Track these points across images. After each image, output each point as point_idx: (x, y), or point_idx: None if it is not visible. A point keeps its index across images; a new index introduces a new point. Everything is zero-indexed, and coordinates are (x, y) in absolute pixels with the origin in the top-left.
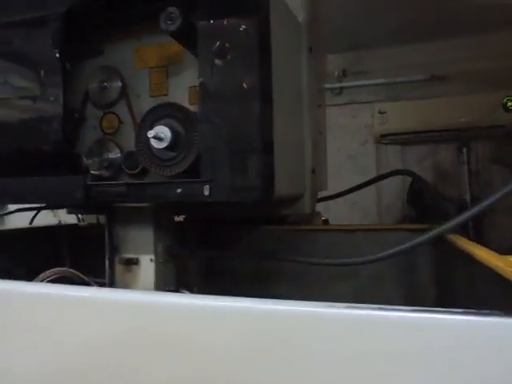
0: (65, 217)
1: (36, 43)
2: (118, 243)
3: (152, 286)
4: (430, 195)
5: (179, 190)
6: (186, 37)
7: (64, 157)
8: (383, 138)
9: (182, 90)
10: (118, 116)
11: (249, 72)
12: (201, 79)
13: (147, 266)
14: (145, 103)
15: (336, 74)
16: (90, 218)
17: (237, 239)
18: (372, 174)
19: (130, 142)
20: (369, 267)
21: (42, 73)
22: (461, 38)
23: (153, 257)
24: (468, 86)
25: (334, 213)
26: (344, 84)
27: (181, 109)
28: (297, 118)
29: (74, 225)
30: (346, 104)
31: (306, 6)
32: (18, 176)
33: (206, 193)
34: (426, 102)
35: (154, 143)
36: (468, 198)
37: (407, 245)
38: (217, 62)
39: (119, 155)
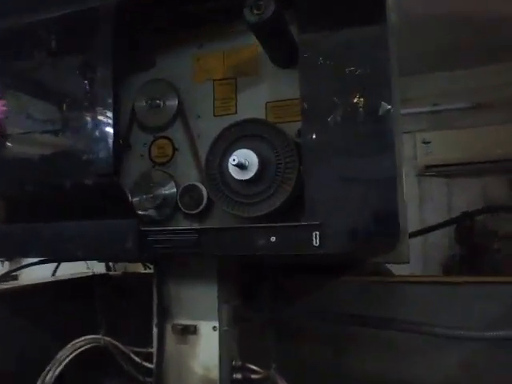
0: (91, 263)
1: (78, 47)
2: (170, 305)
3: (215, 361)
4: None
5: (273, 239)
6: (274, 34)
7: (110, 194)
8: (428, 170)
9: (257, 107)
10: (171, 141)
11: (380, 93)
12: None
13: (209, 336)
14: (207, 125)
15: None
16: (122, 265)
17: (311, 293)
18: (415, 210)
19: (187, 173)
20: None
21: (85, 87)
22: (506, 62)
23: (216, 324)
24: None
25: None
26: None
27: (270, 127)
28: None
29: (105, 274)
30: None
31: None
32: (49, 220)
33: (316, 242)
34: (474, 130)
35: (235, 173)
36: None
37: None
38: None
39: (174, 190)
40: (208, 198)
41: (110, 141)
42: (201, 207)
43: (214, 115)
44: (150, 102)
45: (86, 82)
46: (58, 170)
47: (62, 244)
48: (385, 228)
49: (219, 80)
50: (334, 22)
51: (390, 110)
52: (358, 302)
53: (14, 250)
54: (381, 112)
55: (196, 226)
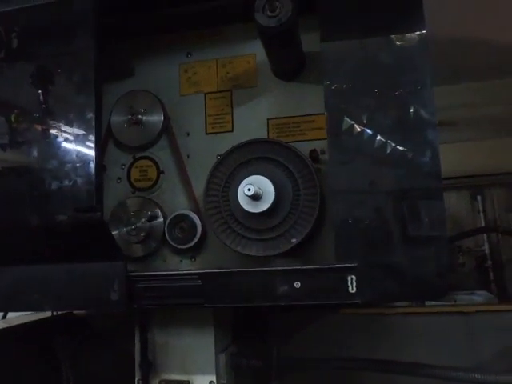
0: None
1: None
2: (156, 357)
3: None
4: None
5: (298, 285)
6: (287, 41)
7: (89, 230)
8: None
9: (257, 124)
10: (155, 162)
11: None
12: (331, 109)
13: None
14: (198, 144)
15: None
16: None
17: (306, 328)
18: None
19: (175, 200)
20: None
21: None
22: (467, 83)
23: (213, 377)
24: (478, 131)
25: None
26: None
27: (284, 149)
28: None
29: (68, 313)
30: None
31: None
32: (9, 263)
33: (351, 289)
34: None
35: (247, 204)
36: (487, 248)
37: None
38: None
39: (160, 220)
40: (203, 230)
41: (91, 166)
42: (194, 241)
43: (206, 133)
44: (129, 116)
45: (60, 90)
46: (24, 202)
47: (24, 294)
48: (434, 268)
49: (211, 93)
50: (367, 28)
51: (434, 124)
52: (364, 334)
53: None
54: (422, 129)
55: (187, 262)
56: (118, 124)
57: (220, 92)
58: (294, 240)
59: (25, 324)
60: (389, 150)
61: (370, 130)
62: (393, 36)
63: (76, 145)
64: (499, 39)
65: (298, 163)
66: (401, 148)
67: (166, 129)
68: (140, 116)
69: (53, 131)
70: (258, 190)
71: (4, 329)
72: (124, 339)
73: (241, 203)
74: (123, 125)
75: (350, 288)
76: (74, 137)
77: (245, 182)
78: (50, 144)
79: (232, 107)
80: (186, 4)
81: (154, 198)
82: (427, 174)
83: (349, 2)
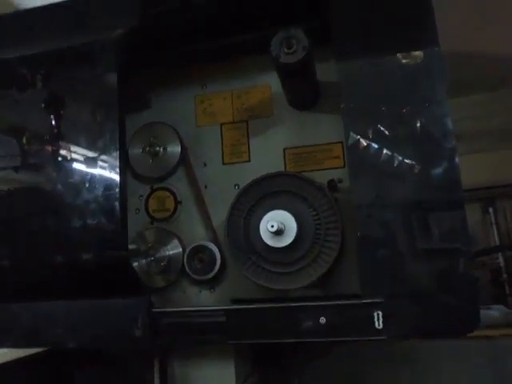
0: None
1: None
2: None
3: None
4: None
5: (323, 320)
6: (303, 74)
7: (113, 267)
8: None
9: (274, 153)
10: (173, 193)
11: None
12: (352, 138)
13: None
14: (215, 174)
15: None
16: None
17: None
18: None
19: (193, 231)
20: None
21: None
22: (472, 95)
23: None
24: (487, 143)
25: None
26: None
27: (305, 182)
28: None
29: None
30: None
31: None
32: (29, 300)
33: (378, 325)
34: None
35: (270, 239)
36: (501, 261)
37: None
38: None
39: (179, 251)
40: (222, 261)
41: (117, 203)
42: (213, 272)
43: (223, 163)
44: (147, 148)
45: (84, 126)
46: (48, 239)
47: (47, 330)
48: (464, 299)
49: (228, 123)
50: (382, 49)
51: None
52: (385, 360)
53: None
54: (443, 144)
55: (206, 293)
56: (135, 156)
57: (236, 123)
58: (318, 273)
59: (38, 353)
60: (415, 173)
61: (395, 152)
62: (408, 53)
63: (101, 181)
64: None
65: (317, 195)
66: (427, 173)
67: (183, 159)
68: (158, 148)
69: (79, 167)
70: (281, 225)
71: (18, 359)
72: (139, 367)
73: (263, 238)
74: (141, 157)
75: (376, 324)
76: (99, 174)
77: (267, 217)
78: (76, 180)
79: (248, 137)
80: (203, 42)
81: (171, 228)
82: (454, 201)
83: (362, 25)
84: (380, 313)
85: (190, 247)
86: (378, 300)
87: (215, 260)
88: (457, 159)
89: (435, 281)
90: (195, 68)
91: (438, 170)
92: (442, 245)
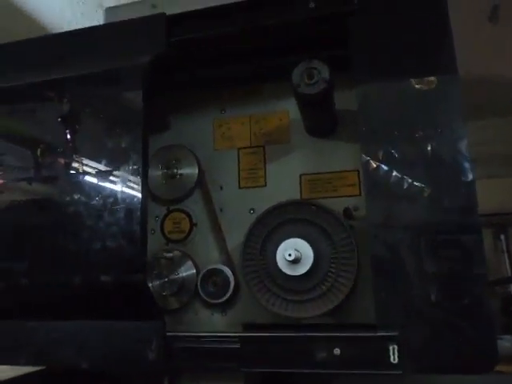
0: None
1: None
2: None
3: None
4: None
5: (337, 352)
6: (322, 104)
7: (130, 290)
8: None
9: (290, 179)
10: (189, 215)
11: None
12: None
13: None
14: (231, 197)
15: None
16: None
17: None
18: None
19: (208, 253)
20: None
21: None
22: (484, 120)
23: None
24: (499, 168)
25: None
26: None
27: (321, 211)
28: None
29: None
30: None
31: None
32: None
33: (393, 359)
34: None
35: (286, 268)
36: None
37: None
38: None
39: (193, 272)
40: (235, 285)
41: (137, 228)
42: (226, 296)
43: (239, 187)
44: (165, 170)
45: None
46: (65, 259)
47: (60, 350)
48: (481, 335)
49: (245, 148)
50: (402, 75)
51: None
52: None
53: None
54: (460, 169)
55: (218, 316)
56: (153, 177)
57: (253, 147)
58: (334, 302)
59: (42, 370)
60: (435, 199)
61: (414, 178)
62: (427, 79)
63: (123, 201)
64: None
65: (333, 223)
66: (448, 199)
67: (200, 182)
68: (175, 170)
69: (101, 189)
70: (298, 253)
71: (22, 375)
72: None
73: (280, 266)
74: (158, 178)
75: (391, 358)
76: (122, 194)
77: (284, 245)
78: (99, 200)
79: (265, 162)
80: (223, 68)
81: (186, 250)
82: (470, 229)
83: (382, 52)
84: (396, 347)
85: (205, 270)
86: (393, 333)
87: (229, 284)
88: (475, 185)
89: (453, 313)
90: (215, 92)
91: (458, 197)
92: (458, 274)
